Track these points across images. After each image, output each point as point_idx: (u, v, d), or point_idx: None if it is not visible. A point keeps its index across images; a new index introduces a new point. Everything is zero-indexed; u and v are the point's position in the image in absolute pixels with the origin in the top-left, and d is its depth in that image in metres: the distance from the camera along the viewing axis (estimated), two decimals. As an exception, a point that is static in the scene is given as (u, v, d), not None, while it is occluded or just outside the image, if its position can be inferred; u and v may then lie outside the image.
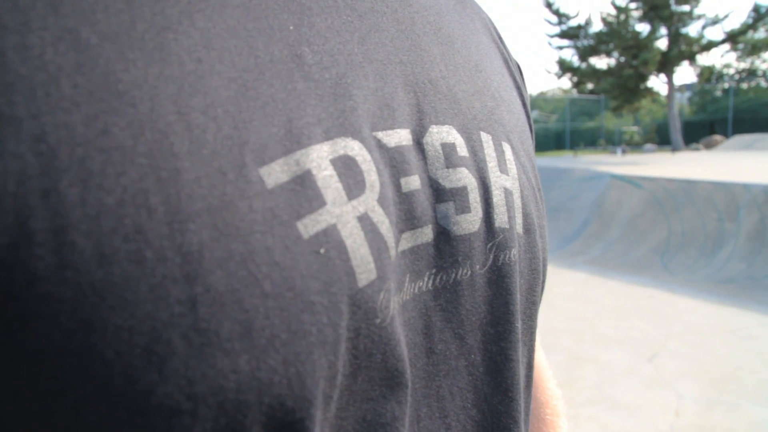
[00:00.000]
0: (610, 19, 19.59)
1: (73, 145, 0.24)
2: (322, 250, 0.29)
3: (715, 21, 19.31)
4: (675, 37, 19.76)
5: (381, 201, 0.33)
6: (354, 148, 0.33)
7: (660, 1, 18.48)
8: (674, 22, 19.29)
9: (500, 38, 0.57)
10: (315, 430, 0.28)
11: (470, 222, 0.40)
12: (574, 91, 24.34)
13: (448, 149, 0.39)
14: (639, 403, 4.18)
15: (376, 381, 0.32)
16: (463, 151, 0.40)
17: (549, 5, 19.83)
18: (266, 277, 0.27)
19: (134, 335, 0.24)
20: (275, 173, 0.29)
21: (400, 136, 0.36)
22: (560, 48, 20.82)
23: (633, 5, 19.43)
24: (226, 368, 0.26)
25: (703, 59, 19.26)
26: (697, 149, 20.28)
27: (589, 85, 21.42)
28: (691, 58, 19.63)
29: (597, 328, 5.83)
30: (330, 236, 0.30)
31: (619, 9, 19.54)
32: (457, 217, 0.39)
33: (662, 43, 20.13)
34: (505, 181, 0.43)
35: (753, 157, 15.14)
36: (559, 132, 28.65)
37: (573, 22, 20.06)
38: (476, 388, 0.40)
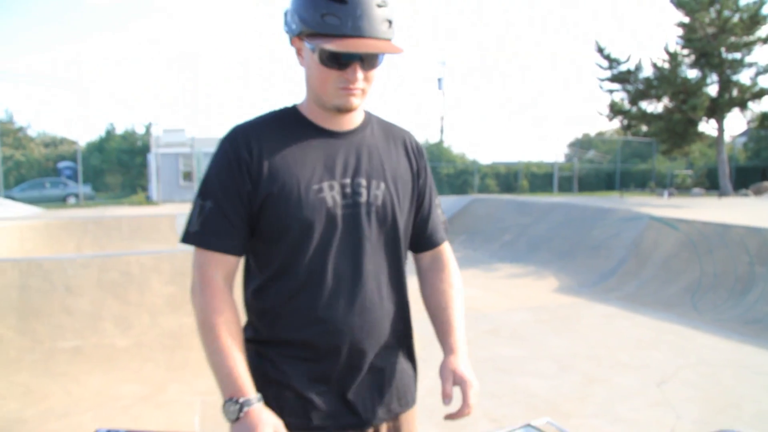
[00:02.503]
0: (661, 64, 19.91)
1: (267, 175, 1.51)
2: (320, 196, 1.52)
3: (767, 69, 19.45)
4: (725, 84, 19.95)
5: (339, 195, 1.55)
6: (333, 183, 1.54)
7: (710, 48, 18.73)
8: (725, 69, 19.48)
9: (412, 143, 1.70)
10: (315, 236, 1.51)
11: (361, 198, 1.56)
12: (628, 132, 24.67)
13: (357, 182, 1.57)
14: (639, 420, 4.63)
15: (332, 224, 1.54)
16: (363, 183, 1.57)
17: (600, 50, 20.39)
18: (311, 201, 1.52)
19: (289, 205, 1.50)
20: (313, 186, 1.53)
21: (345, 180, 1.56)
22: (610, 92, 21.23)
23: (684, 51, 19.71)
24: (303, 214, 1.50)
25: (756, 106, 19.17)
26: (745, 195, 20.29)
27: (644, 128, 21.61)
28: (742, 105, 19.73)
29: (615, 355, 6.25)
30: (323, 196, 1.52)
31: (670, 55, 19.83)
32: (359, 197, 1.56)
33: (713, 89, 20.28)
34: (376, 190, 1.58)
35: None
36: (610, 173, 28.88)
37: (623, 67, 20.50)
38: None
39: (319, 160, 1.53)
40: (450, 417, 1.48)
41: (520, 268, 12.98)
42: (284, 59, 73.70)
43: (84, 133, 48.27)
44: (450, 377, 1.51)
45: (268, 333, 1.56)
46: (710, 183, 23.82)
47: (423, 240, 1.73)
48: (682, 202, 17.06)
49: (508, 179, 28.91)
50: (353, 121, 1.59)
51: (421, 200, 1.69)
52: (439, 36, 75.69)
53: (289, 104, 1.63)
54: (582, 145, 34.57)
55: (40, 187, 24.55)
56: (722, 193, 20.63)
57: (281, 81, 69.05)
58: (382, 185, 1.56)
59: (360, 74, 1.43)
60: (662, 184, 27.58)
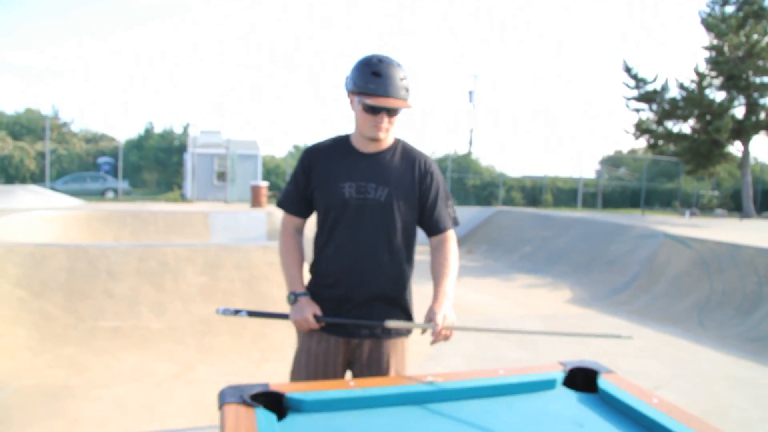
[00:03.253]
0: (687, 85, 20.08)
1: (314, 176, 2.41)
2: (340, 191, 2.33)
3: (796, 93, 19.49)
4: (752, 107, 20.04)
5: (354, 191, 2.34)
6: (352, 183, 2.34)
7: (737, 71, 18.87)
8: (752, 92, 19.57)
9: (421, 163, 2.41)
10: (331, 215, 2.37)
11: (369, 195, 2.32)
12: (653, 152, 24.82)
13: (369, 184, 2.33)
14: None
15: (344, 209, 2.35)
16: (373, 185, 2.33)
17: (628, 70, 20.63)
18: (333, 193, 2.36)
19: (321, 194, 2.39)
20: (339, 184, 2.35)
21: (361, 183, 2.34)
22: (637, 111, 21.45)
23: (712, 73, 19.85)
24: (327, 201, 2.37)
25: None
26: (768, 218, 20.37)
27: (671, 147, 21.79)
28: (768, 128, 19.84)
29: (616, 362, 6.57)
30: (342, 191, 2.33)
31: (700, 75, 19.97)
32: (368, 194, 2.32)
33: (740, 112, 20.38)
34: (381, 192, 2.33)
35: None
36: (635, 191, 28.99)
37: (650, 87, 20.71)
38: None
39: (349, 169, 2.36)
40: (432, 342, 2.15)
41: (537, 279, 13.36)
42: (318, 66, 74.66)
43: (123, 131, 49.36)
44: (428, 314, 2.19)
45: (315, 267, 2.47)
46: (735, 204, 23.82)
47: (430, 228, 2.43)
48: (702, 222, 17.22)
49: (533, 193, 29.17)
50: (381, 146, 2.39)
51: (425, 200, 2.40)
52: (471, 49, 76.02)
53: (345, 133, 2.51)
54: (613, 162, 34.68)
55: (81, 180, 25.52)
56: (744, 215, 20.69)
57: (316, 89, 69.87)
58: (387, 189, 2.33)
59: (385, 119, 2.28)
60: (688, 203, 27.60)
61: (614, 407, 1.92)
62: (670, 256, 11.53)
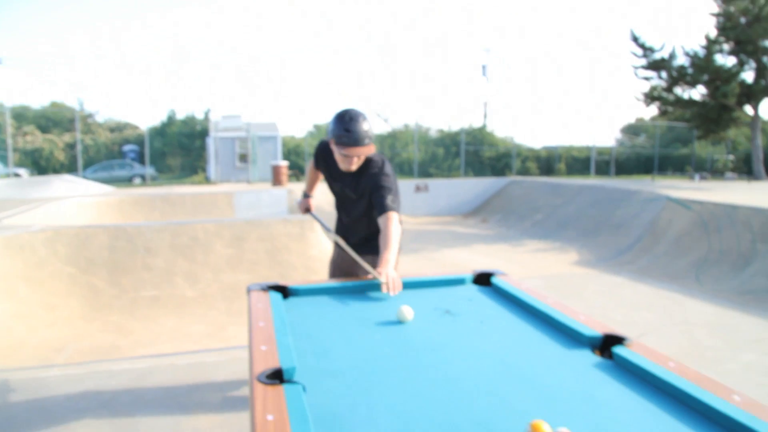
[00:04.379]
0: (695, 51, 20.28)
1: (323, 167, 3.54)
2: (336, 185, 3.52)
3: (805, 57, 19.61)
4: (761, 71, 20.19)
5: (341, 187, 3.48)
6: (341, 184, 3.47)
7: (744, 36, 19.06)
8: (760, 56, 19.73)
9: (372, 172, 3.31)
10: (335, 195, 3.64)
11: (348, 194, 3.43)
12: (664, 119, 25.02)
13: (345, 188, 3.44)
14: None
15: (340, 196, 3.55)
16: (349, 189, 3.42)
17: (635, 39, 20.84)
18: (335, 187, 3.53)
19: (329, 181, 3.53)
20: (336, 183, 3.51)
21: (344, 186, 3.43)
22: (646, 79, 21.68)
23: (720, 39, 20.02)
24: (335, 187, 3.54)
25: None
26: (778, 181, 20.61)
27: (682, 113, 22.03)
28: (778, 91, 20.01)
29: (609, 314, 7.06)
30: (336, 187, 3.54)
31: (709, 41, 20.16)
32: (347, 191, 3.42)
33: (750, 77, 20.57)
34: (353, 194, 3.42)
35: None
36: (649, 157, 29.24)
37: (657, 55, 20.90)
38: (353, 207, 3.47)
39: (338, 176, 3.41)
40: (383, 291, 2.90)
41: (547, 244, 13.95)
42: (336, 48, 74.79)
43: (147, 118, 50.33)
44: (375, 273, 2.98)
45: (336, 223, 3.69)
46: (747, 168, 24.04)
47: (377, 211, 3.25)
48: (711, 186, 17.58)
49: (548, 162, 29.57)
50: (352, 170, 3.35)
51: (371, 195, 3.28)
52: (483, 23, 75.58)
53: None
54: (633, 130, 34.80)
55: (110, 168, 26.52)
56: (755, 178, 20.97)
57: (327, 74, 70.15)
58: (356, 192, 3.39)
59: (355, 159, 3.17)
60: (702, 168, 27.79)
61: (498, 292, 3.00)
62: (671, 218, 11.97)
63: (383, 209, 3.17)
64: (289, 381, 1.71)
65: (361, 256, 3.34)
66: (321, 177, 3.75)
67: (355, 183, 3.34)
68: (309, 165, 3.80)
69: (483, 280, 3.19)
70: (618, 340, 2.07)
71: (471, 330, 2.34)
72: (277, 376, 1.71)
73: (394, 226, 3.12)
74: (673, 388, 1.67)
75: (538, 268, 10.70)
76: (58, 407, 3.56)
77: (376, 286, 2.95)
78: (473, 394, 1.71)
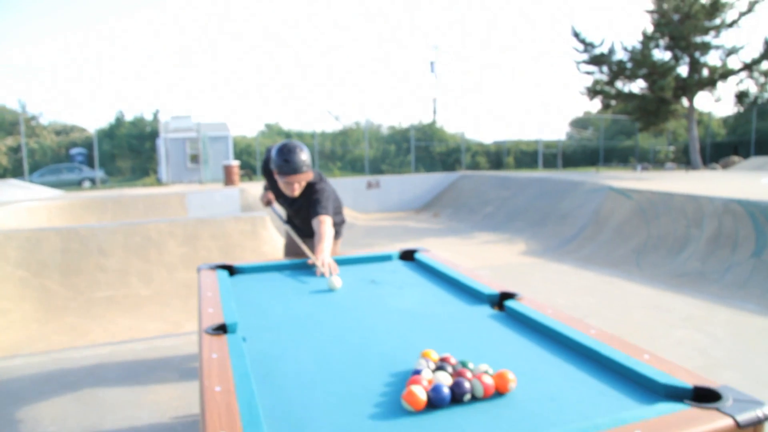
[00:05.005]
0: (633, 47, 21.10)
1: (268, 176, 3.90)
2: (282, 201, 4.04)
3: (732, 51, 20.58)
4: (694, 66, 21.18)
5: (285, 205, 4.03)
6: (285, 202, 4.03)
7: (677, 32, 19.90)
8: (693, 51, 20.63)
9: (310, 190, 3.76)
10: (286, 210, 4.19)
11: (289, 205, 3.92)
12: (608, 112, 25.86)
13: (293, 210, 3.98)
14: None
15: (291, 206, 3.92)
16: (295, 211, 3.94)
17: (576, 35, 21.56)
18: (283, 201, 4.02)
19: (275, 188, 3.92)
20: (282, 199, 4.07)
21: (292, 205, 3.94)
22: (588, 73, 22.41)
23: (657, 35, 20.85)
24: (283, 201, 4.02)
25: (724, 85, 20.41)
26: (714, 169, 21.52)
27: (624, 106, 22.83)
28: (712, 84, 20.93)
29: (553, 299, 7.42)
30: (282, 200, 4.00)
31: (646, 37, 20.97)
32: (289, 205, 3.92)
33: (685, 71, 21.45)
34: (295, 207, 3.88)
35: (753, 177, 16.18)
36: (595, 149, 30.14)
37: (598, 51, 21.66)
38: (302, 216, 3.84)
39: (284, 197, 3.85)
40: (317, 274, 3.18)
41: (496, 236, 14.35)
42: (285, 46, 74.54)
43: (94, 121, 49.31)
44: (313, 258, 3.32)
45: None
46: (687, 158, 25.03)
47: (311, 216, 3.63)
48: (651, 176, 18.25)
49: (498, 156, 30.21)
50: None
51: (310, 204, 3.65)
52: (431, 21, 76.32)
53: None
54: (581, 123, 35.70)
55: (57, 172, 26.05)
56: (692, 167, 21.90)
57: (280, 69, 69.86)
58: (299, 210, 3.82)
59: (296, 185, 3.51)
60: (645, 159, 28.81)
61: (420, 265, 3.37)
62: (613, 208, 12.45)
63: (315, 214, 3.60)
64: (232, 333, 1.99)
65: (306, 244, 3.80)
66: None
67: (299, 204, 3.81)
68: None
69: (408, 256, 3.60)
70: (511, 296, 2.42)
71: (390, 294, 2.69)
72: (221, 329, 2.00)
73: (325, 225, 3.52)
74: (547, 328, 2.03)
75: (487, 259, 11.04)
76: (24, 391, 3.74)
77: (312, 264, 3.34)
78: (383, 338, 2.06)
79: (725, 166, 21.93)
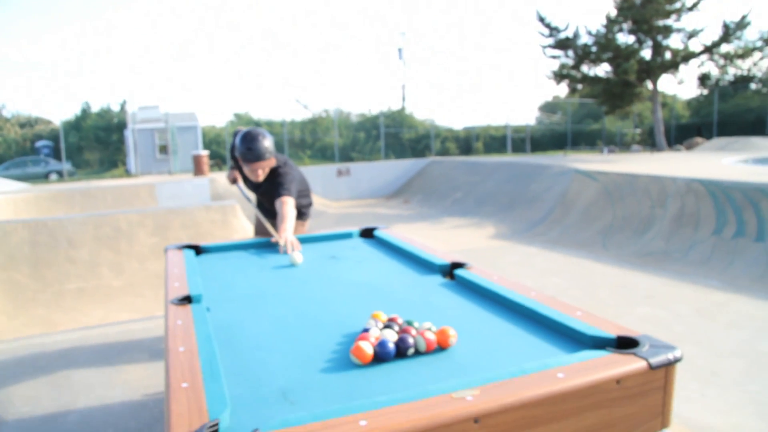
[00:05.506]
0: (597, 31, 21.43)
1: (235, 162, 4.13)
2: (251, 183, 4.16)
3: (693, 34, 21.07)
4: (657, 49, 21.63)
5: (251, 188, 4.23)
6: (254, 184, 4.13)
7: (639, 16, 20.24)
8: (655, 35, 21.02)
9: (275, 173, 3.90)
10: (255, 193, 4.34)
11: (257, 188, 4.06)
12: (576, 95, 26.23)
13: (259, 192, 4.11)
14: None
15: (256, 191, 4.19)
16: (263, 194, 4.07)
17: (541, 19, 21.80)
18: (251, 186, 4.18)
19: (242, 173, 4.13)
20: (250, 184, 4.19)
21: (258, 188, 4.11)
22: (554, 57, 22.67)
23: (620, 19, 21.18)
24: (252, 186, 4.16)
25: (686, 68, 20.97)
26: (678, 150, 21.95)
27: (590, 89, 23.15)
28: (674, 67, 21.36)
29: (522, 281, 7.58)
30: (252, 186, 4.16)
31: (609, 20, 21.29)
32: (257, 188, 4.08)
33: (648, 54, 21.84)
34: (261, 190, 4.02)
35: (715, 157, 16.59)
36: (563, 133, 30.54)
37: (563, 35, 21.97)
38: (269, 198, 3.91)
39: (250, 181, 3.99)
40: (281, 251, 3.33)
41: (465, 221, 14.54)
42: (253, 35, 73.90)
43: (59, 113, 48.51)
44: (276, 236, 3.46)
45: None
46: (652, 140, 25.50)
47: (275, 197, 3.76)
48: (617, 158, 18.61)
49: (468, 142, 30.43)
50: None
51: (274, 187, 3.75)
52: (398, 6, 76.30)
53: None
54: (550, 108, 36.08)
55: (23, 165, 25.59)
56: (657, 149, 22.33)
57: (246, 55, 69.27)
58: (267, 193, 3.90)
59: (260, 170, 3.64)
60: (613, 142, 29.28)
61: (378, 242, 3.54)
62: (580, 190, 12.69)
63: (278, 196, 3.74)
64: (197, 303, 2.10)
65: (273, 225, 4.02)
66: None
67: (265, 188, 3.94)
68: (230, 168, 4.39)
69: (368, 234, 3.80)
70: (461, 265, 2.57)
71: (349, 268, 2.84)
72: (186, 300, 2.11)
73: (287, 206, 3.67)
74: (492, 292, 2.19)
75: (457, 244, 11.20)
76: (-6, 377, 3.78)
77: (277, 244, 3.50)
78: (339, 305, 2.21)
79: (689, 148, 22.37)
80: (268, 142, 3.63)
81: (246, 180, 4.06)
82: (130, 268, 7.67)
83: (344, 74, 64.54)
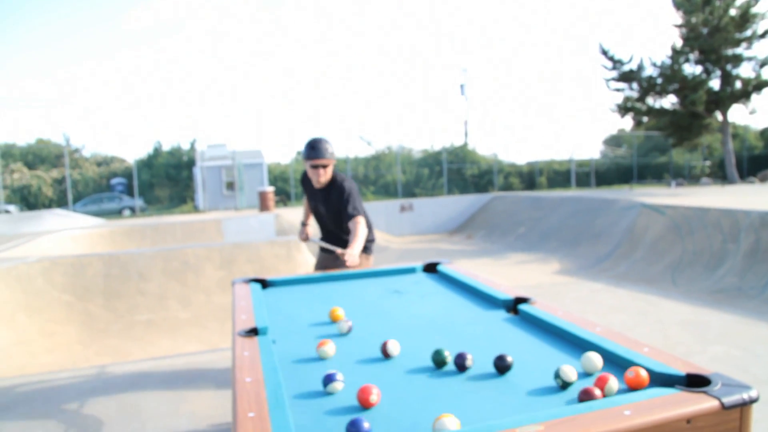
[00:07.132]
0: (662, 62, 21.02)
1: (305, 189, 4.47)
2: (313, 204, 4.49)
3: (765, 62, 20.37)
4: (726, 78, 21.05)
5: (316, 205, 4.42)
6: (315, 203, 4.43)
7: (707, 46, 19.79)
8: (724, 64, 20.49)
9: (337, 188, 4.23)
10: (314, 211, 4.63)
11: (321, 211, 4.34)
12: (641, 128, 25.71)
13: (321, 205, 4.31)
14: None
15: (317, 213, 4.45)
16: (321, 206, 4.32)
17: (604, 52, 21.56)
18: (313, 204, 4.51)
19: (309, 200, 4.46)
20: (313, 203, 4.48)
21: (318, 204, 4.36)
22: (618, 90, 22.33)
23: (686, 49, 20.75)
24: (313, 205, 4.47)
25: (762, 98, 20.32)
26: (751, 182, 21.16)
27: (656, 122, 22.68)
28: (746, 96, 20.71)
29: (587, 317, 7.41)
30: (313, 205, 4.44)
31: (675, 51, 20.89)
32: (321, 208, 4.31)
33: (716, 84, 21.27)
34: (324, 209, 4.30)
35: None
36: (628, 167, 29.92)
37: (627, 67, 21.62)
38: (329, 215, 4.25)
39: (314, 195, 4.27)
40: (347, 266, 3.68)
41: (529, 256, 14.36)
42: (318, 73, 75.69)
43: (133, 151, 50.67)
44: (342, 251, 3.81)
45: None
46: (723, 172, 24.69)
47: (345, 218, 4.05)
48: (686, 191, 18.08)
49: (531, 177, 30.21)
50: (323, 186, 4.17)
51: (341, 207, 4.06)
52: (459, 44, 76.88)
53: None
54: (615, 141, 35.53)
55: (99, 201, 26.96)
56: (728, 181, 21.57)
57: (310, 100, 70.94)
58: (326, 206, 4.22)
59: (321, 171, 4.03)
60: (680, 175, 28.48)
61: (442, 276, 3.56)
62: (647, 224, 12.38)
63: (350, 216, 4.03)
64: (263, 335, 2.15)
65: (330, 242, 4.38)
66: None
67: (325, 199, 4.20)
68: (304, 199, 4.62)
69: (431, 268, 3.83)
70: (525, 300, 2.54)
71: (412, 302, 2.86)
72: (253, 332, 2.16)
73: (360, 226, 3.97)
74: (557, 327, 2.16)
75: (520, 279, 11.06)
76: (69, 401, 3.96)
77: (340, 277, 3.64)
78: (402, 339, 2.22)
79: (763, 180, 21.56)
80: (329, 146, 4.04)
81: (311, 196, 4.32)
82: (197, 301, 7.88)
83: (407, 111, 65.19)
